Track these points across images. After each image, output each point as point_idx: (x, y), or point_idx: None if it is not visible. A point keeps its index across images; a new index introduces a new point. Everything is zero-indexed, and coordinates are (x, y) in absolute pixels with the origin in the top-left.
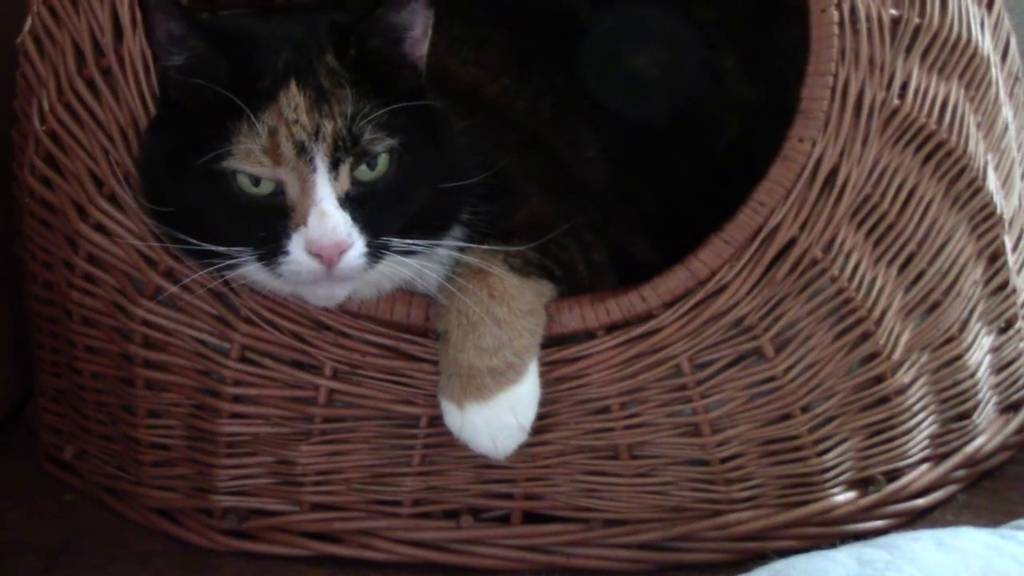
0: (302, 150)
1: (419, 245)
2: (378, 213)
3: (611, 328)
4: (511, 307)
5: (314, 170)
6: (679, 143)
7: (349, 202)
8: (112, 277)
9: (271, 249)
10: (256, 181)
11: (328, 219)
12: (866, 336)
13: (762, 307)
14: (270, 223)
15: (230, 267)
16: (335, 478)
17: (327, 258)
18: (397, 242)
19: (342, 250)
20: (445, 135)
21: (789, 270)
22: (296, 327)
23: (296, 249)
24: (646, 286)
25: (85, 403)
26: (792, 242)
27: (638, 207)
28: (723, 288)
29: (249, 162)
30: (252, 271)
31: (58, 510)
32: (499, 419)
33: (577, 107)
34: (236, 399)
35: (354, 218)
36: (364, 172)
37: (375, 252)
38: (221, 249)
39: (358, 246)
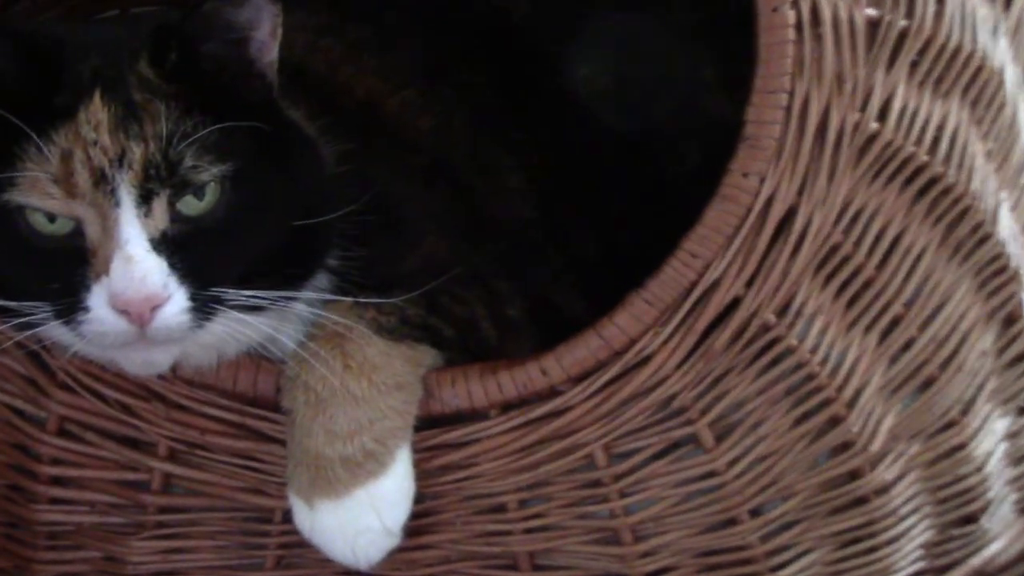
0: (102, 179)
1: (264, 299)
2: (207, 257)
3: (507, 407)
4: (372, 380)
5: (117, 204)
6: (628, 172)
7: (167, 244)
8: None
9: (68, 304)
10: (51, 217)
11: (135, 266)
12: (835, 421)
13: (697, 384)
14: (68, 271)
15: (27, 325)
16: None
17: (135, 315)
18: (233, 294)
19: (154, 305)
20: (303, 159)
21: (732, 338)
22: (123, 396)
23: (98, 304)
24: (548, 356)
25: None
26: (735, 303)
27: (571, 250)
28: (646, 360)
29: (36, 194)
30: (54, 330)
31: None
32: (357, 520)
33: (498, 126)
34: (55, 481)
35: (172, 264)
36: (189, 205)
37: (203, 308)
38: (12, 305)
39: (177, 299)
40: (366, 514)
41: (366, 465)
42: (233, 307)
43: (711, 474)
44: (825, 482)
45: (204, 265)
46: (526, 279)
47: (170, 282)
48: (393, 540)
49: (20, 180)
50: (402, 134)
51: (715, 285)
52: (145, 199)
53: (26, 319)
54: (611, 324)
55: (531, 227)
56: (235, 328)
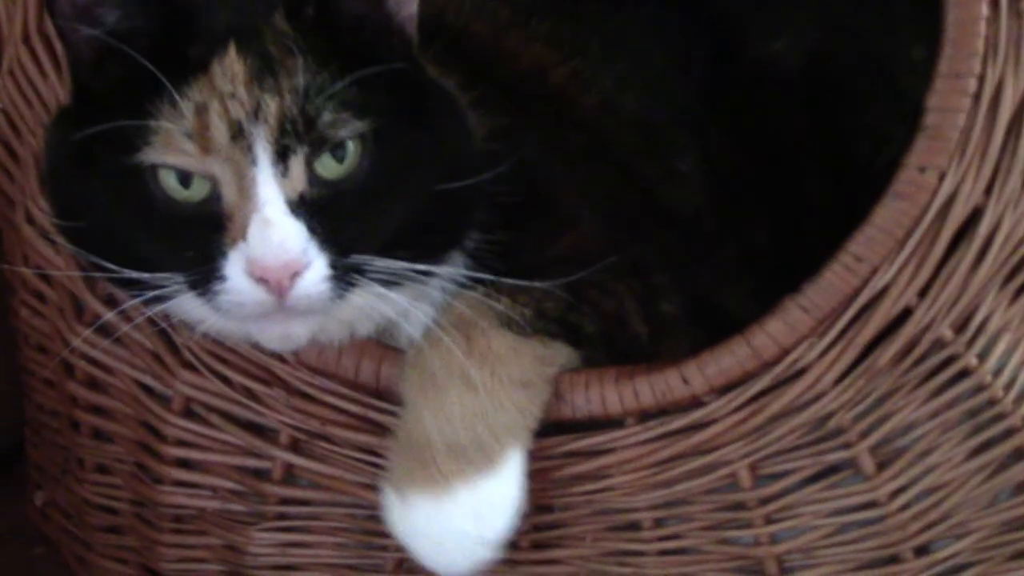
0: (238, 133)
1: (405, 270)
2: (347, 223)
3: (644, 416)
4: (495, 372)
5: (253, 162)
6: (817, 158)
7: (306, 207)
8: (57, 295)
9: (204, 273)
10: (186, 181)
11: (273, 230)
12: (1020, 454)
13: (857, 404)
14: (203, 238)
15: (159, 299)
16: (292, 575)
17: (275, 283)
18: (377, 263)
19: (294, 272)
20: (445, 121)
21: (900, 354)
22: (247, 380)
23: (235, 272)
24: (690, 363)
25: (45, 444)
26: (906, 314)
27: (743, 242)
28: (799, 374)
29: (171, 151)
30: (187, 304)
31: (22, 565)
32: (449, 522)
33: (673, 103)
34: (180, 463)
35: (312, 229)
36: (328, 166)
37: (343, 276)
38: (145, 276)
39: (318, 267)
40: (462, 516)
41: (474, 457)
42: (374, 277)
43: (871, 504)
44: (1007, 522)
45: (345, 231)
46: (689, 272)
47: (310, 248)
48: (485, 552)
49: (154, 138)
50: (566, 109)
51: (882, 293)
52: (282, 156)
53: (158, 292)
54: (761, 332)
55: (700, 215)
56: (373, 302)
